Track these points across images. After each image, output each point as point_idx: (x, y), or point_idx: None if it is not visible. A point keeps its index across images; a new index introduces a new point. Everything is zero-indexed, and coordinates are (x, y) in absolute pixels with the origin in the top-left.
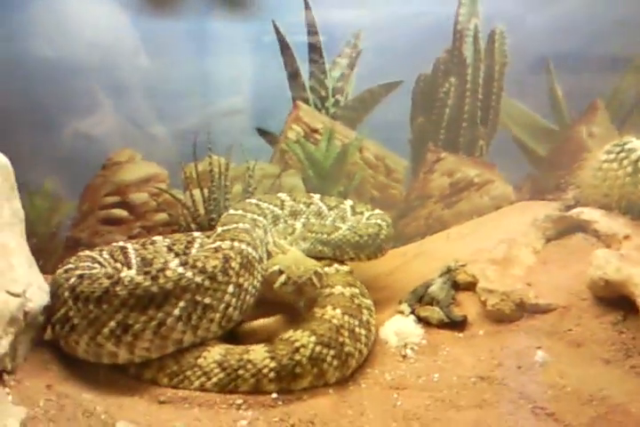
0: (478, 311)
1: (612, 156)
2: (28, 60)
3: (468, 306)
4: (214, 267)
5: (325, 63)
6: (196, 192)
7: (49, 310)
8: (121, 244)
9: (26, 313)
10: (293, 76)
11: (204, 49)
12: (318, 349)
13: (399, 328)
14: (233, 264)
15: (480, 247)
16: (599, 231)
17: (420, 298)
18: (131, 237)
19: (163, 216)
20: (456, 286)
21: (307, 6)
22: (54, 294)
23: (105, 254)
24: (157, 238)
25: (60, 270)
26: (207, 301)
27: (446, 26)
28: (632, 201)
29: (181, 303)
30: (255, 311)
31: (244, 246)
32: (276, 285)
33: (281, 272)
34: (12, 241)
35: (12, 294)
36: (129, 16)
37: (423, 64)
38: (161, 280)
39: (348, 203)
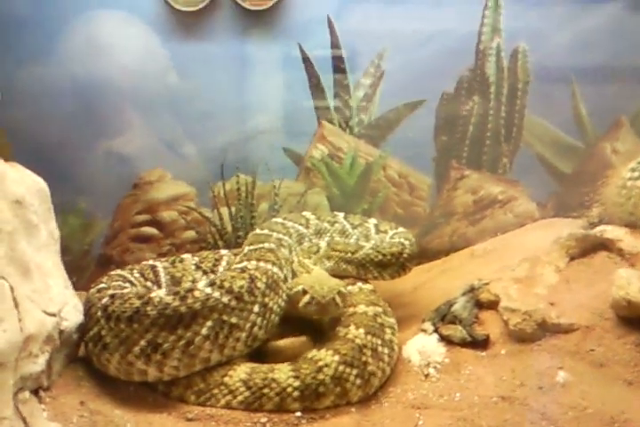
0: (501, 330)
1: (637, 173)
2: (63, 82)
3: (490, 325)
4: (241, 287)
5: (350, 84)
6: (224, 210)
7: (82, 329)
8: (151, 262)
9: (61, 332)
10: (318, 96)
11: (232, 70)
12: (341, 368)
13: (422, 347)
14: (259, 284)
15: (503, 265)
16: (623, 250)
17: (443, 317)
18: (160, 255)
19: (191, 234)
20: (479, 305)
21: (331, 29)
22: (87, 312)
23: (135, 273)
24: (186, 256)
25: (92, 290)
26: (234, 320)
27: (469, 44)
28: None
29: (209, 323)
30: (281, 329)
31: (269, 266)
32: (301, 304)
33: (305, 292)
34: (48, 262)
35: (49, 314)
36: (160, 38)
37: (446, 83)
38: (189, 300)
39: (372, 221)
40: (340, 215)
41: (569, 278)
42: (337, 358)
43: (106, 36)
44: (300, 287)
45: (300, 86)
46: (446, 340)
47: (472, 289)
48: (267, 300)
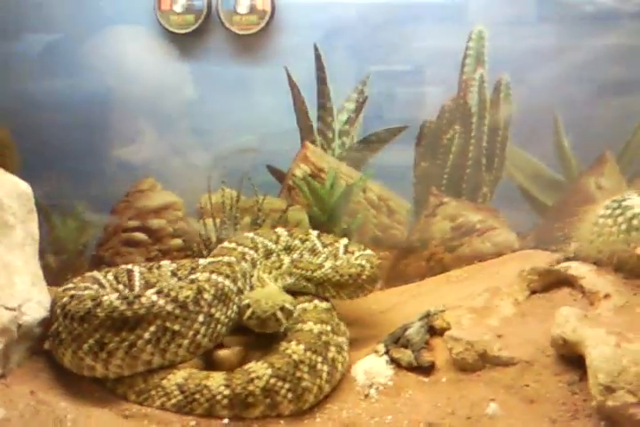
0: (447, 358)
1: (609, 211)
2: (81, 92)
3: (440, 352)
4: (186, 297)
5: (333, 107)
6: (209, 221)
7: (47, 324)
8: (129, 266)
9: (19, 326)
10: (302, 118)
11: (221, 91)
12: (273, 381)
13: (369, 368)
14: (206, 296)
15: (473, 293)
16: (584, 288)
17: (397, 339)
18: (149, 259)
19: (178, 242)
20: (432, 331)
21: (317, 54)
22: (52, 309)
23: (109, 276)
24: (164, 263)
25: (60, 289)
26: (176, 327)
27: (452, 75)
28: (622, 259)
29: (152, 328)
30: (240, 339)
31: (220, 279)
32: (244, 317)
33: (248, 306)
34: (18, 260)
35: (7, 309)
36: (156, 57)
37: (428, 111)
38: (135, 306)
39: (343, 242)
40: (314, 233)
41: (525, 312)
42: (270, 371)
43: (126, 51)
44: (246, 301)
45: (285, 108)
46: (396, 362)
47: (428, 315)
48: (213, 310)
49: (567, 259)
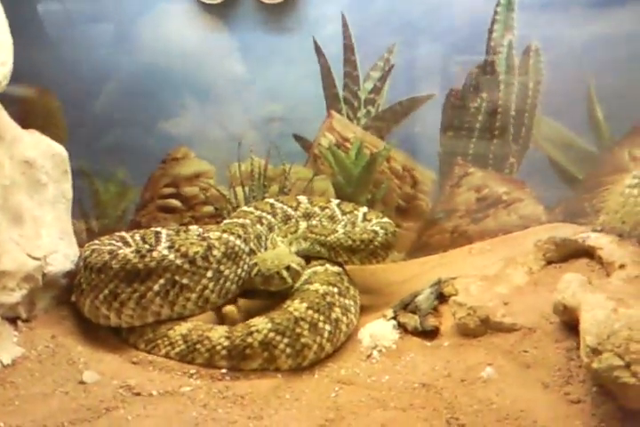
0: (453, 324)
1: (636, 181)
2: (130, 69)
3: (447, 318)
4: (195, 253)
5: (359, 76)
6: (239, 189)
7: (74, 276)
8: (158, 229)
9: (44, 274)
10: (329, 87)
11: (250, 60)
12: (272, 335)
13: (375, 331)
14: (215, 252)
15: (488, 264)
16: (602, 258)
17: (407, 305)
18: (183, 225)
19: (209, 209)
20: (442, 298)
21: (344, 23)
22: (78, 263)
23: (137, 236)
24: (192, 227)
25: (87, 244)
26: (185, 281)
27: (480, 42)
28: None
29: (161, 281)
30: (255, 302)
31: (232, 238)
32: (252, 275)
33: (255, 264)
34: (48, 216)
35: (33, 258)
36: (192, 29)
37: (455, 79)
38: (147, 259)
39: (363, 210)
40: (335, 202)
41: (537, 281)
42: (269, 325)
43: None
44: (254, 260)
45: (312, 77)
46: (402, 327)
47: (439, 282)
48: (222, 267)
49: (594, 231)
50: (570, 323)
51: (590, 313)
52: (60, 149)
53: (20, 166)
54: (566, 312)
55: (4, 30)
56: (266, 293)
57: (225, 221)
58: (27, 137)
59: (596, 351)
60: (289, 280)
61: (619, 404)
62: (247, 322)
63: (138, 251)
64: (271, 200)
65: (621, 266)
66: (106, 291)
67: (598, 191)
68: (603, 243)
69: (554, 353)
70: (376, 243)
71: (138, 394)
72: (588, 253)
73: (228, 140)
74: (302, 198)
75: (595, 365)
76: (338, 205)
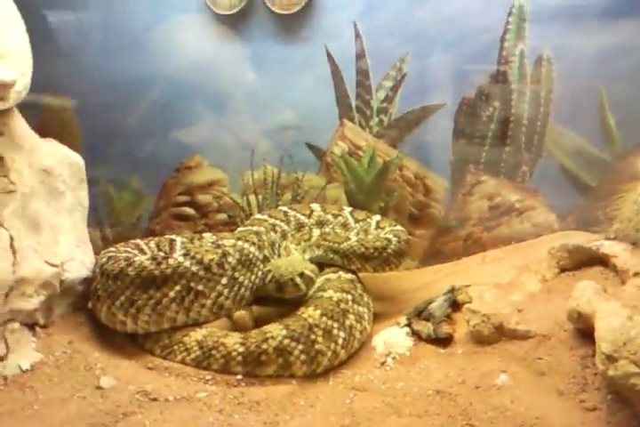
0: (467, 332)
1: None
2: (144, 78)
3: (461, 325)
4: (211, 260)
5: (372, 85)
6: (252, 197)
7: (90, 283)
8: (172, 236)
9: (62, 281)
10: (341, 96)
11: (263, 69)
12: (286, 341)
13: (389, 338)
14: (230, 259)
15: (502, 272)
16: (616, 266)
17: (420, 313)
18: (196, 233)
19: (223, 216)
20: (455, 306)
21: (357, 33)
22: (94, 270)
23: (152, 244)
24: (206, 235)
25: (103, 252)
26: (200, 288)
27: (492, 51)
28: None
29: (177, 287)
30: (269, 309)
31: (246, 246)
32: (266, 282)
33: (269, 271)
34: (65, 223)
35: (51, 265)
36: (205, 39)
37: (467, 88)
38: (163, 266)
39: (376, 218)
40: (347, 210)
41: (551, 289)
42: (284, 332)
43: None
44: (268, 267)
45: (324, 86)
46: (416, 334)
47: (452, 290)
48: (237, 274)
49: (608, 239)
50: (584, 330)
51: (605, 320)
52: (77, 158)
53: (38, 175)
54: (581, 320)
55: (25, 41)
56: (279, 299)
57: (239, 229)
58: (44, 146)
59: (611, 358)
60: (302, 287)
61: (634, 411)
62: (262, 328)
63: (154, 258)
64: (284, 208)
65: (636, 274)
66: (122, 297)
67: (611, 199)
68: (617, 251)
69: (568, 360)
70: (389, 250)
71: (154, 399)
72: (602, 260)
73: (241, 149)
74: (315, 206)
75: (610, 372)
76: (351, 213)
